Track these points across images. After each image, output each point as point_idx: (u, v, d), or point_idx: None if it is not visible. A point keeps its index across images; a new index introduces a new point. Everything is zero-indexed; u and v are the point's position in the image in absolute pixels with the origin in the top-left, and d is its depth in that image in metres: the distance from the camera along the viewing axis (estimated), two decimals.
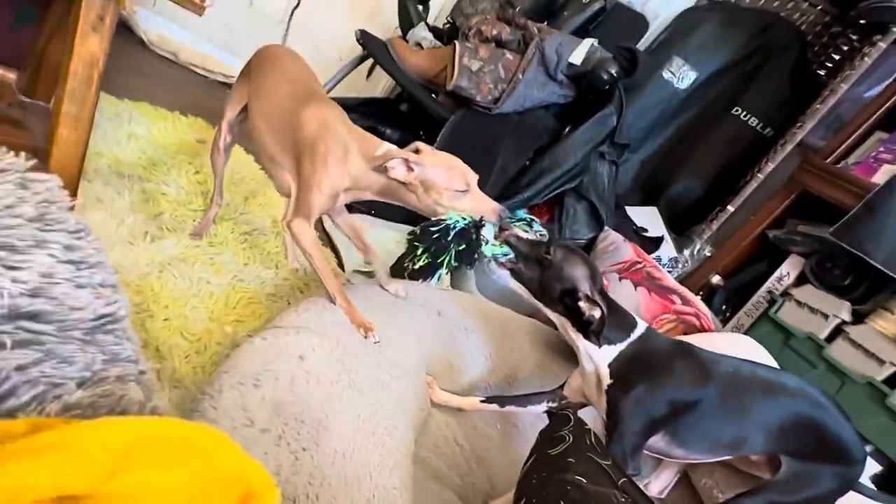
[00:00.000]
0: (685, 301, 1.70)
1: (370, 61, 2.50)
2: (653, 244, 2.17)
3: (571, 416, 0.88)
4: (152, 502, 0.43)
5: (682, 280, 2.11)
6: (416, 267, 1.03)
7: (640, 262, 1.77)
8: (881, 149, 2.01)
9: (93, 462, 0.41)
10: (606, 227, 1.97)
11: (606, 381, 1.05)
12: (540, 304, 1.12)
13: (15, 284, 0.53)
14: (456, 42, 1.94)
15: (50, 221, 0.61)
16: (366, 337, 1.09)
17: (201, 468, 0.47)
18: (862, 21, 2.26)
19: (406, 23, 2.26)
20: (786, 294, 2.04)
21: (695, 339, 1.51)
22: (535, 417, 1.36)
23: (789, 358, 1.88)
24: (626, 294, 1.69)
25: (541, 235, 1.13)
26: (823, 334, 1.86)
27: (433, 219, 1.02)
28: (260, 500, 0.47)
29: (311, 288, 1.53)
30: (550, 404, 1.21)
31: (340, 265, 1.80)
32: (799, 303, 1.96)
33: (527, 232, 1.13)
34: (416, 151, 1.07)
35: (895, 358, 1.66)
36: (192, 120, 1.98)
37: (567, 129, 2.07)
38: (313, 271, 1.59)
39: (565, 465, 0.78)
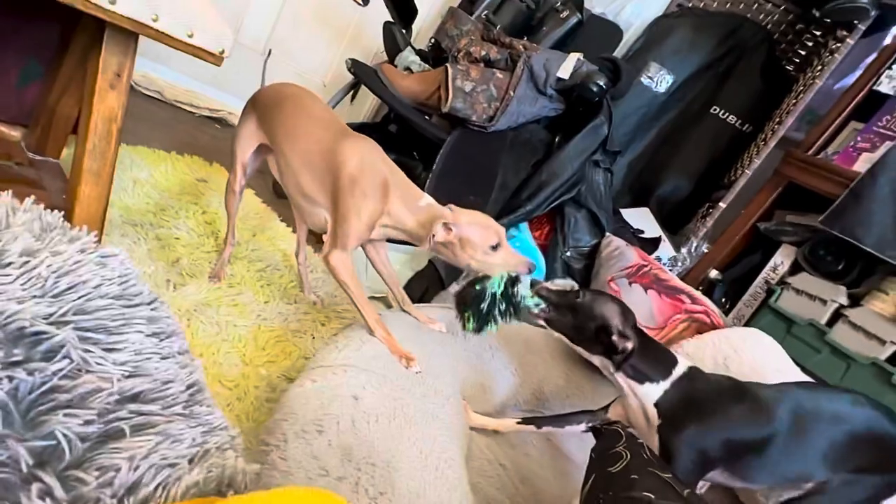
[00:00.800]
0: (694, 300, 1.75)
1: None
2: (651, 245, 2.24)
3: (622, 433, 0.91)
4: None
5: (682, 277, 2.18)
6: (465, 330, 1.09)
7: (646, 265, 1.82)
8: (858, 138, 2.11)
9: None
10: (608, 234, 2.02)
11: (655, 420, 1.07)
12: (579, 349, 1.16)
13: (117, 367, 0.53)
14: (447, 65, 1.98)
15: (130, 297, 0.61)
16: (407, 367, 1.11)
17: None
18: (827, 20, 2.38)
19: (392, 47, 2.28)
20: (783, 283, 2.12)
21: (711, 337, 1.57)
22: (568, 434, 1.38)
23: (793, 345, 1.95)
24: (637, 299, 1.74)
25: (570, 287, 1.20)
26: (824, 319, 1.94)
27: (474, 282, 1.10)
28: None
29: (331, 320, 1.54)
30: (590, 425, 1.22)
31: None
32: (797, 290, 2.04)
33: (557, 285, 1.20)
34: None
35: (895, 337, 1.75)
36: (188, 159, 1.96)
37: (558, 140, 2.12)
38: (331, 303, 1.61)
39: (630, 483, 0.81)
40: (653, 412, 1.07)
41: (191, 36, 1.02)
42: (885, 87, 2.13)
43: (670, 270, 2.19)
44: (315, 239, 1.99)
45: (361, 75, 2.10)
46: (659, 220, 2.52)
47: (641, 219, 2.42)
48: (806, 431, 1.06)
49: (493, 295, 1.07)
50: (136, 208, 1.52)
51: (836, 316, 1.94)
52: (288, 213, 1.88)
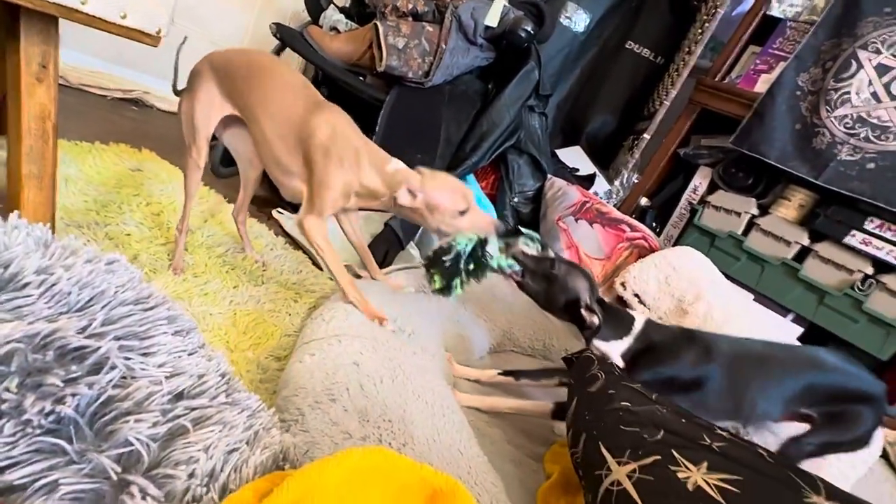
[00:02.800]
0: (633, 228, 1.92)
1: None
2: (587, 181, 2.39)
3: (594, 357, 1.04)
4: None
5: (618, 208, 2.36)
6: (434, 290, 1.14)
7: (587, 202, 1.96)
8: (757, 61, 2.32)
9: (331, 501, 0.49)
10: (549, 176, 2.13)
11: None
12: (547, 313, 1.25)
13: (158, 370, 0.56)
14: (377, 22, 1.94)
15: (145, 300, 0.63)
16: (381, 326, 1.18)
17: (393, 485, 0.56)
18: None
19: (314, 7, 2.19)
20: (703, 202, 2.35)
21: (652, 260, 1.75)
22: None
23: (717, 256, 2.20)
24: (585, 234, 1.88)
25: (542, 251, 1.26)
26: (740, 230, 2.19)
27: (442, 244, 1.13)
28: (449, 497, 0.56)
29: (302, 296, 1.56)
30: (563, 380, 1.32)
31: (315, 264, 1.82)
32: (716, 207, 2.28)
33: (530, 247, 1.26)
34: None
35: (798, 237, 2.02)
36: (114, 147, 1.84)
37: (493, 89, 2.17)
38: (298, 280, 1.63)
39: (609, 398, 0.94)
40: (619, 364, 1.20)
41: (124, 17, 0.96)
42: (775, 10, 2.33)
43: (608, 203, 2.36)
44: (258, 207, 1.96)
45: (288, 40, 2.02)
46: (591, 156, 2.67)
47: (575, 157, 2.55)
48: (743, 372, 1.15)
49: (460, 255, 1.12)
50: (76, 208, 1.44)
51: (750, 226, 2.19)
52: (232, 193, 1.83)
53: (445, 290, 1.14)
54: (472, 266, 1.15)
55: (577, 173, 2.42)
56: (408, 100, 1.99)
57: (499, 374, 1.38)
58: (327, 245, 1.18)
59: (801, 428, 1.20)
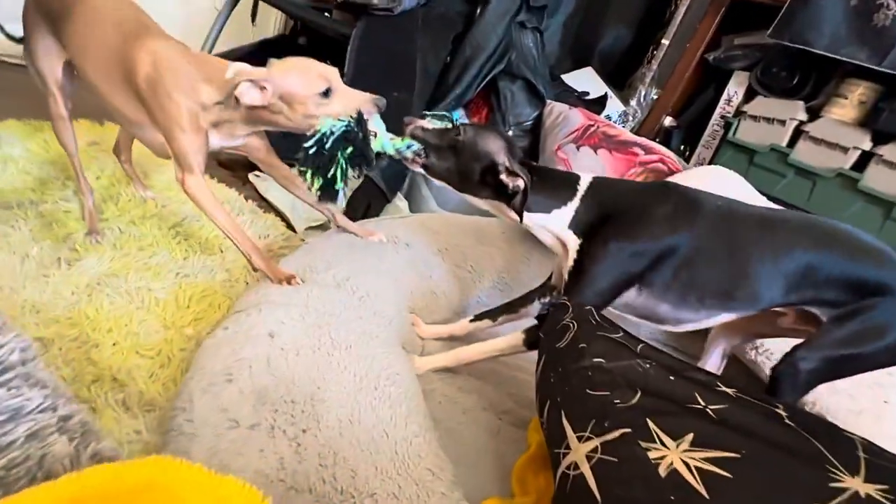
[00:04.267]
0: (648, 150, 1.64)
1: (251, 5, 2.23)
2: (598, 105, 2.08)
3: (569, 303, 0.82)
4: None
5: (637, 131, 2.05)
6: (316, 193, 0.92)
7: (592, 125, 1.68)
8: None
9: None
10: (548, 101, 1.86)
11: (574, 244, 0.97)
12: (467, 196, 1.03)
13: None
14: None
15: None
16: (290, 284, 1.01)
17: None
18: None
19: None
20: (739, 113, 2.00)
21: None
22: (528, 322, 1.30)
23: (757, 175, 1.87)
24: (587, 162, 1.62)
25: (452, 124, 1.03)
26: (784, 141, 1.85)
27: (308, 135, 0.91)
28: None
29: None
30: (543, 300, 1.14)
31: (290, 227, 1.67)
32: (754, 118, 1.93)
33: (438, 123, 1.02)
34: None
35: (858, 142, 1.66)
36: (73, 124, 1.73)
37: (479, 9, 1.88)
38: (266, 245, 1.48)
39: (579, 353, 0.73)
40: (568, 237, 0.97)
41: None
42: None
43: (623, 126, 2.06)
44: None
45: None
46: (605, 78, 2.34)
47: (585, 80, 2.24)
48: (735, 235, 0.93)
49: (330, 138, 0.89)
50: (10, 188, 1.34)
51: (797, 135, 1.84)
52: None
53: (327, 187, 0.92)
54: (350, 151, 0.92)
55: (587, 97, 2.12)
56: (376, 31, 1.75)
57: (471, 321, 1.19)
58: (216, 207, 1.02)
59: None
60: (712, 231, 0.94)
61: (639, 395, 0.65)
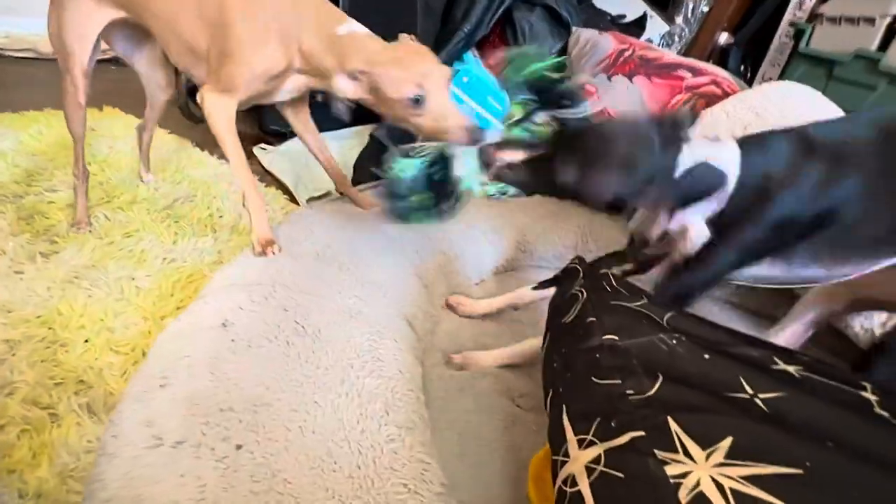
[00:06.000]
0: (696, 71, 1.36)
1: None
2: (636, 27, 1.78)
3: (579, 267, 0.63)
4: None
5: (685, 53, 1.75)
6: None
7: (626, 49, 1.42)
8: None
9: None
10: (574, 28, 1.59)
11: (702, 237, 0.76)
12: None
13: None
14: None
15: None
16: (264, 253, 0.87)
17: None
18: None
19: None
20: (814, 18, 1.65)
21: (724, 107, 1.21)
22: None
23: (839, 91, 1.54)
24: (621, 92, 1.36)
25: (550, 121, 0.83)
26: (874, 44, 1.50)
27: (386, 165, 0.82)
28: None
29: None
30: (619, 269, 0.95)
31: (293, 200, 1.54)
32: (833, 20, 1.58)
33: (526, 135, 0.82)
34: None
35: None
36: None
37: None
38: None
39: (587, 329, 0.55)
40: (699, 230, 0.76)
41: None
42: None
43: (667, 49, 1.76)
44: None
45: None
46: None
47: (621, 1, 1.93)
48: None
49: (407, 181, 0.77)
50: None
51: (890, 35, 1.49)
52: (204, 137, 1.57)
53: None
54: (429, 197, 0.78)
55: (622, 21, 1.82)
56: None
57: (533, 288, 1.00)
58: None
59: None
60: (874, 170, 0.71)
61: (659, 382, 0.46)
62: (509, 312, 1.09)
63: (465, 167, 0.81)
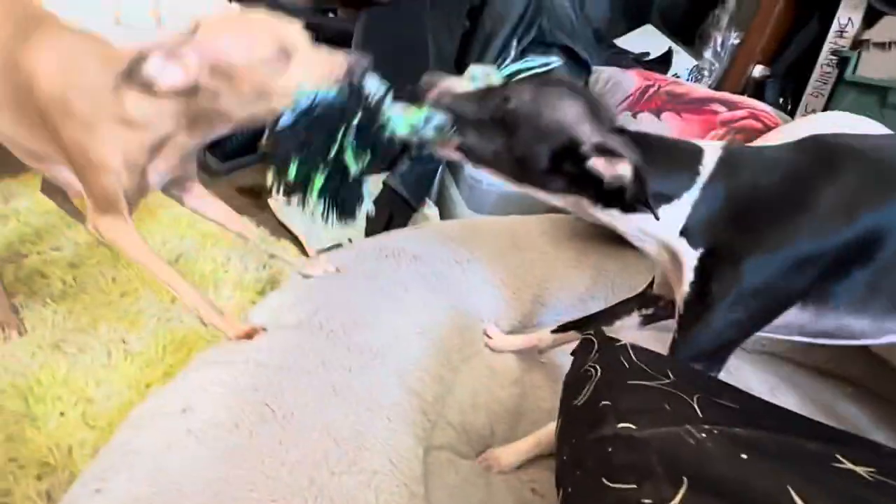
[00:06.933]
0: (731, 105, 1.25)
1: None
2: (661, 65, 1.70)
3: (595, 338, 0.51)
4: None
5: (717, 88, 1.64)
6: (317, 204, 0.63)
7: (651, 85, 1.33)
8: None
9: None
10: (595, 68, 1.52)
11: (691, 259, 0.64)
12: (532, 191, 0.68)
13: None
14: None
15: None
16: (253, 338, 0.76)
17: None
18: None
19: None
20: (859, 44, 1.53)
21: (767, 140, 1.08)
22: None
23: (894, 120, 1.39)
24: (651, 129, 1.26)
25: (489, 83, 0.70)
26: None
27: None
28: None
29: (266, 294, 1.22)
30: (645, 311, 0.84)
31: (304, 252, 1.48)
32: (881, 45, 1.45)
33: (474, 82, 0.70)
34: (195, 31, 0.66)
35: None
36: None
37: None
38: (270, 276, 1.29)
39: (600, 414, 0.43)
40: (681, 246, 0.63)
41: None
42: None
43: (691, 83, 1.66)
44: None
45: None
46: (669, 34, 1.93)
47: (643, 39, 1.86)
48: None
49: (309, 112, 0.59)
50: (4, 244, 1.26)
51: None
52: (217, 188, 1.55)
53: (330, 191, 0.62)
54: (355, 122, 0.60)
55: (646, 59, 1.74)
56: (380, 20, 1.53)
57: (552, 331, 0.92)
58: (145, 254, 0.78)
59: None
60: None
61: (684, 489, 0.34)
62: (530, 377, 0.97)
63: (382, 97, 0.63)
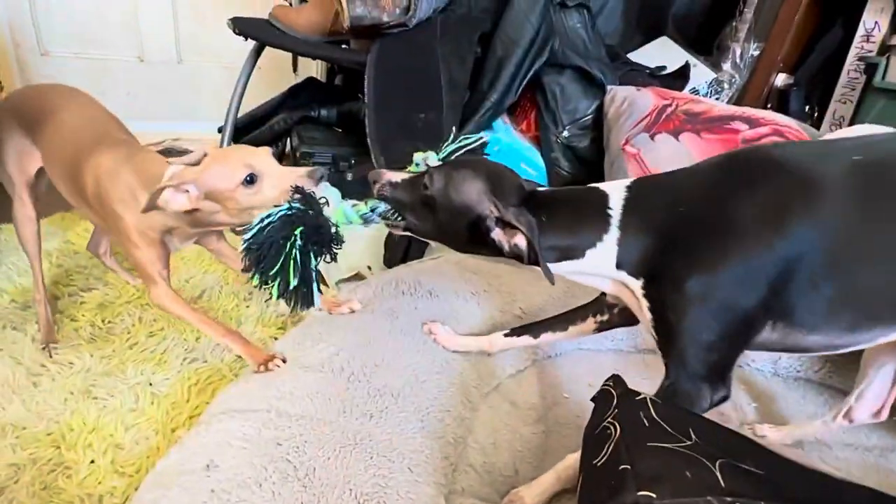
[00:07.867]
0: (753, 122, 1.22)
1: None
2: (679, 79, 1.67)
3: (614, 392, 0.50)
4: None
5: (737, 100, 1.60)
6: (281, 300, 0.72)
7: (668, 104, 1.30)
8: None
9: None
10: (609, 87, 1.50)
11: (636, 285, 0.68)
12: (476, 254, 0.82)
13: None
14: None
15: None
16: (268, 369, 0.85)
17: None
18: None
19: None
20: (886, 49, 1.48)
21: None
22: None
23: None
24: (669, 150, 1.24)
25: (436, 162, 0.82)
26: None
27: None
28: None
29: (289, 328, 1.23)
30: (601, 318, 0.87)
31: (324, 282, 1.49)
32: None
33: (416, 168, 0.83)
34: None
35: None
36: None
37: None
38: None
39: (620, 480, 0.42)
40: (626, 279, 0.69)
41: None
42: None
43: (717, 98, 1.63)
44: None
45: (250, 31, 1.72)
46: (685, 45, 1.90)
47: (659, 52, 1.83)
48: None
49: (263, 230, 0.69)
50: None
51: None
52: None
53: (288, 290, 0.71)
54: (299, 232, 0.69)
55: (662, 73, 1.71)
56: (390, 51, 1.54)
57: (505, 335, 0.95)
58: (185, 310, 0.95)
59: None
60: (859, 202, 0.59)
61: None
62: (554, 414, 0.95)
63: (330, 196, 0.76)
